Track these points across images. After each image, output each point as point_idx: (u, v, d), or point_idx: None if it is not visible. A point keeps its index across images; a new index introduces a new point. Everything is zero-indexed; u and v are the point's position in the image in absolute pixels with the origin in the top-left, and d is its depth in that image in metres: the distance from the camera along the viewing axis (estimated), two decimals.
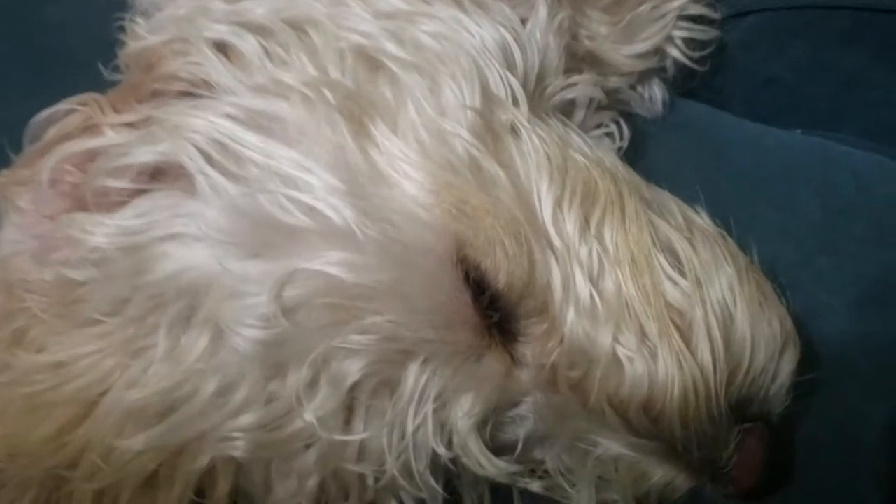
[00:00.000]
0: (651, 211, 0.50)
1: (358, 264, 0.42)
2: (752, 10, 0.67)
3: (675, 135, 0.68)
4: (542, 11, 0.54)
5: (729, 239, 0.52)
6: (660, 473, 0.47)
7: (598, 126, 0.61)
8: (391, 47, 0.46)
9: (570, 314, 0.46)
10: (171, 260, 0.44)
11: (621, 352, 0.46)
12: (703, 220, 0.52)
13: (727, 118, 0.70)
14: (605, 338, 0.46)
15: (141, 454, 0.44)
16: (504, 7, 0.52)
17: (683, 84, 0.69)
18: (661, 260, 0.48)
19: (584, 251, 0.47)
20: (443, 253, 0.43)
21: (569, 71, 0.57)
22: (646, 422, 0.46)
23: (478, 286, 0.44)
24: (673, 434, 0.46)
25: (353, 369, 0.43)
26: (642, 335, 0.46)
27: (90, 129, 0.48)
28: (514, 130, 0.48)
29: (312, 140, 0.44)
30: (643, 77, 0.67)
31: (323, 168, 0.43)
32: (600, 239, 0.47)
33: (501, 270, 0.45)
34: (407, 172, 0.44)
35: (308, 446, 0.44)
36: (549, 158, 0.47)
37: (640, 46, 0.63)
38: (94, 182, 0.44)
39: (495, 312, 0.45)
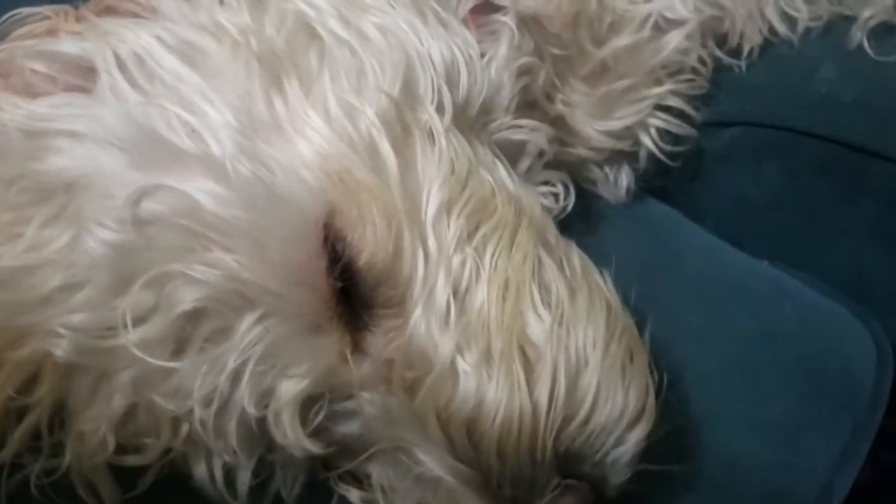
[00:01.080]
0: (546, 252, 0.49)
1: (222, 197, 0.43)
2: (733, 121, 0.67)
3: (631, 224, 0.68)
4: (503, 48, 0.55)
5: (619, 305, 0.50)
6: None
7: (545, 183, 0.61)
8: (333, 23, 0.48)
9: (420, 313, 0.45)
10: (62, 155, 0.45)
11: (460, 364, 0.45)
12: (601, 280, 0.51)
13: (691, 227, 0.70)
14: (447, 345, 0.45)
15: None
16: (467, 34, 0.54)
17: (655, 180, 0.69)
18: (534, 292, 0.47)
19: (457, 259, 0.46)
20: (310, 212, 0.44)
21: (524, 117, 0.58)
22: (467, 445, 0.44)
23: (336, 256, 0.44)
24: (490, 464, 0.44)
25: (187, 297, 0.43)
26: (487, 355, 0.45)
27: (52, 33, 0.51)
28: (430, 135, 0.49)
29: (225, 79, 0.45)
30: (613, 159, 0.67)
31: (223, 104, 0.44)
32: (480, 254, 0.47)
33: (365, 249, 0.45)
34: (304, 132, 0.45)
35: (127, 367, 0.44)
36: (452, 166, 0.48)
37: (613, 124, 0.64)
38: (22, 63, 0.46)
39: (349, 289, 0.45)
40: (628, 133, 0.65)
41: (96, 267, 0.44)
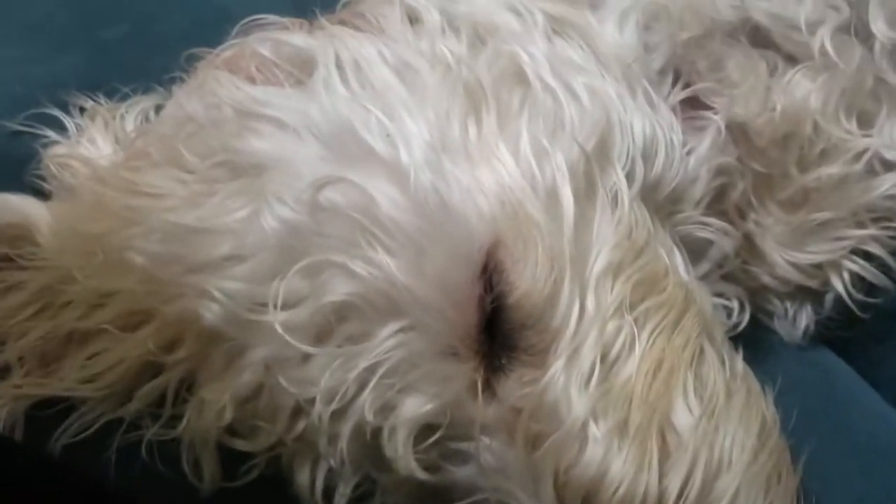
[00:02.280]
0: (710, 345, 0.46)
1: (398, 202, 0.43)
2: None
3: (801, 368, 0.63)
4: (706, 143, 0.54)
5: (775, 422, 0.46)
6: None
7: (720, 295, 0.58)
8: (544, 72, 0.49)
9: (561, 367, 0.43)
10: (263, 139, 0.47)
11: (591, 430, 0.42)
12: (762, 393, 0.47)
13: (866, 387, 0.64)
14: (582, 407, 0.42)
15: (140, 273, 0.46)
16: (673, 120, 0.53)
17: (837, 330, 0.64)
18: (689, 380, 0.44)
19: (613, 324, 0.44)
20: (477, 236, 0.43)
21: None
22: None
23: (490, 287, 0.43)
24: None
25: (340, 289, 0.43)
26: (622, 427, 0.42)
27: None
28: (614, 199, 0.48)
29: (429, 98, 0.47)
30: (796, 295, 0.63)
31: (422, 118, 0.45)
32: (639, 326, 0.44)
33: (520, 287, 0.43)
34: (490, 162, 0.45)
35: (265, 345, 0.44)
36: (630, 232, 0.46)
37: (804, 257, 0.60)
38: (250, 55, 0.50)
39: (494, 325, 0.43)
40: (818, 271, 0.61)
41: (265, 243, 0.45)
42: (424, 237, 0.43)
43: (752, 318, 0.63)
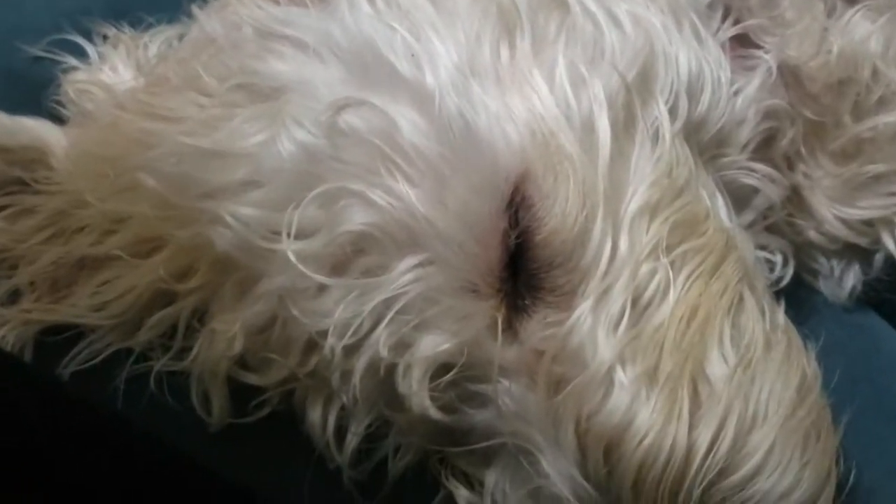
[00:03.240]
0: (749, 292, 0.43)
1: (421, 127, 0.41)
2: None
3: (845, 330, 0.59)
4: (755, 83, 0.51)
5: (816, 378, 0.43)
6: None
7: (763, 247, 0.54)
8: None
9: (588, 308, 0.40)
10: (284, 61, 0.45)
11: (618, 376, 0.39)
12: (803, 347, 0.44)
13: None
14: (608, 351, 0.40)
15: (153, 197, 0.45)
16: (722, 56, 0.50)
17: (885, 292, 0.61)
18: (725, 328, 0.41)
19: (647, 267, 0.41)
20: (504, 166, 0.41)
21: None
22: (601, 465, 0.39)
23: (516, 222, 0.41)
24: (621, 494, 0.38)
25: (357, 218, 0.41)
26: (651, 375, 0.39)
27: None
28: (655, 135, 0.44)
29: (459, 18, 0.44)
30: (844, 253, 0.59)
31: (450, 39, 0.43)
32: (675, 270, 0.42)
33: (549, 223, 0.41)
34: (521, 88, 0.42)
35: (278, 274, 0.42)
36: (670, 170, 0.43)
37: (854, 213, 0.57)
38: None
39: (518, 262, 0.41)
40: (869, 228, 0.57)
41: (281, 169, 0.42)
42: (448, 166, 0.40)
43: (796, 276, 0.60)
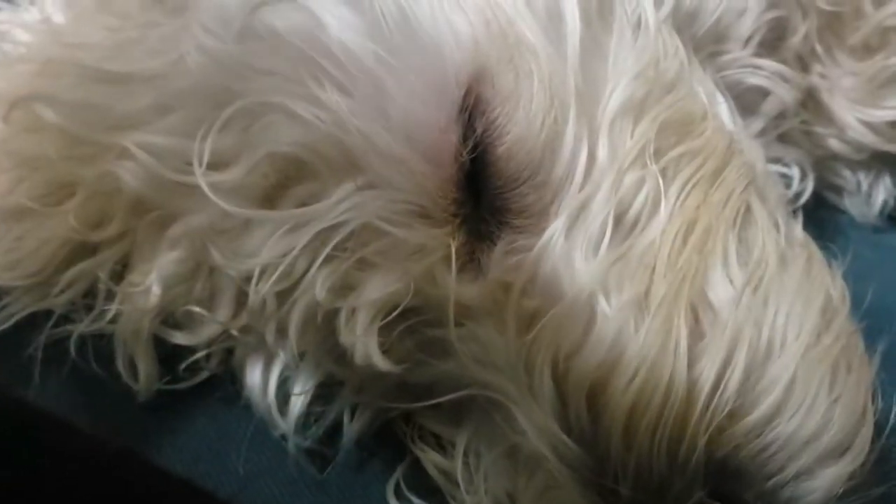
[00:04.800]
0: (759, 203, 0.36)
1: (352, 24, 0.34)
2: None
3: (876, 251, 0.52)
4: None
5: (844, 300, 0.36)
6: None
7: (776, 160, 0.47)
8: None
9: (561, 227, 0.33)
10: None
11: (601, 305, 0.32)
12: (827, 266, 0.37)
13: None
14: (588, 277, 0.33)
15: (57, 134, 0.38)
16: None
17: None
18: (729, 244, 0.34)
19: (632, 176, 0.35)
20: (453, 65, 0.34)
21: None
22: (585, 414, 0.32)
23: (472, 132, 0.34)
24: (609, 446, 0.31)
25: (281, 138, 0.34)
26: (641, 301, 0.32)
27: None
28: (636, 25, 0.37)
29: None
30: (871, 164, 0.52)
31: None
32: (666, 178, 0.35)
33: (512, 131, 0.34)
34: None
35: (196, 212, 0.36)
36: (656, 64, 0.36)
37: (880, 114, 0.50)
38: None
39: (479, 180, 0.34)
40: None
41: (192, 87, 0.36)
42: (385, 69, 0.34)
43: (817, 195, 0.53)
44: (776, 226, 0.36)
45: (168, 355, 0.40)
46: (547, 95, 0.34)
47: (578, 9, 0.35)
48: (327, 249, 0.34)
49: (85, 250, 0.41)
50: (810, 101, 0.50)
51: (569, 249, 0.33)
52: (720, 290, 0.33)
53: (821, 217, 0.54)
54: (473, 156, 0.34)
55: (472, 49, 0.34)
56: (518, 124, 0.34)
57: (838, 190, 0.53)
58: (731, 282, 0.33)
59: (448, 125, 0.34)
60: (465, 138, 0.34)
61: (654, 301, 0.32)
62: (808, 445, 0.31)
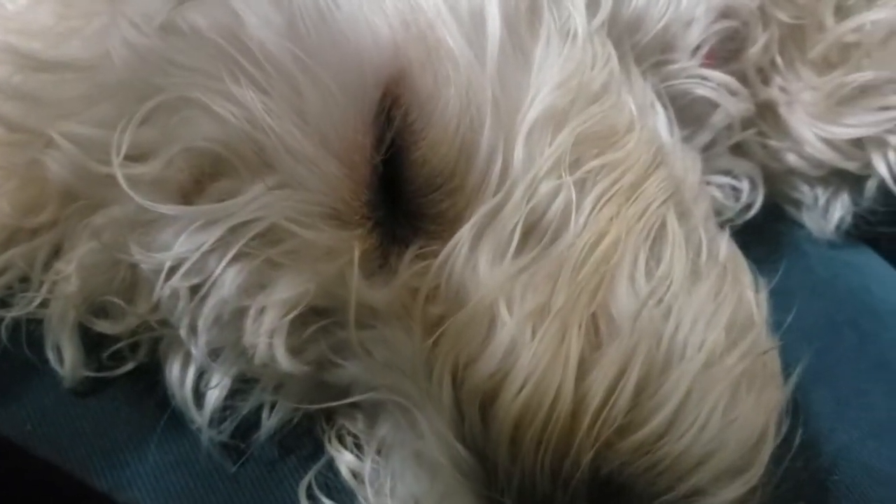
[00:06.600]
0: (677, 219, 0.36)
1: (272, 22, 0.34)
2: None
3: (830, 267, 0.52)
4: None
5: (759, 319, 0.36)
6: None
7: (726, 172, 0.47)
8: None
9: (468, 234, 0.33)
10: None
11: (502, 312, 0.32)
12: (749, 282, 0.37)
13: None
14: (491, 283, 0.33)
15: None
16: None
17: (881, 226, 0.52)
18: (639, 258, 0.34)
19: (546, 187, 0.34)
20: (370, 68, 0.34)
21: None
22: (478, 423, 0.32)
23: (387, 134, 0.34)
24: (497, 454, 0.31)
25: (197, 134, 0.34)
26: (541, 311, 0.32)
27: None
28: (565, 32, 0.37)
29: None
30: (830, 180, 0.52)
31: None
32: (581, 190, 0.34)
33: (428, 135, 0.34)
34: None
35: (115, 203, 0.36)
36: (581, 74, 0.36)
37: (840, 131, 0.49)
38: None
39: (394, 185, 0.34)
40: (858, 150, 0.49)
41: (117, 80, 0.36)
42: (302, 69, 0.34)
43: (775, 208, 0.53)
44: (692, 244, 0.36)
45: (94, 344, 0.40)
46: (464, 101, 0.34)
47: (502, 15, 0.35)
48: (237, 247, 0.34)
49: (22, 235, 0.41)
50: (769, 114, 0.50)
51: (473, 256, 0.33)
52: (622, 303, 0.33)
53: (778, 231, 0.53)
54: (388, 159, 0.34)
55: (391, 51, 0.34)
56: (434, 129, 0.34)
57: (797, 204, 0.53)
58: (635, 294, 0.33)
59: (364, 127, 0.34)
60: (380, 141, 0.34)
61: (553, 309, 0.32)
62: (699, 465, 0.31)
